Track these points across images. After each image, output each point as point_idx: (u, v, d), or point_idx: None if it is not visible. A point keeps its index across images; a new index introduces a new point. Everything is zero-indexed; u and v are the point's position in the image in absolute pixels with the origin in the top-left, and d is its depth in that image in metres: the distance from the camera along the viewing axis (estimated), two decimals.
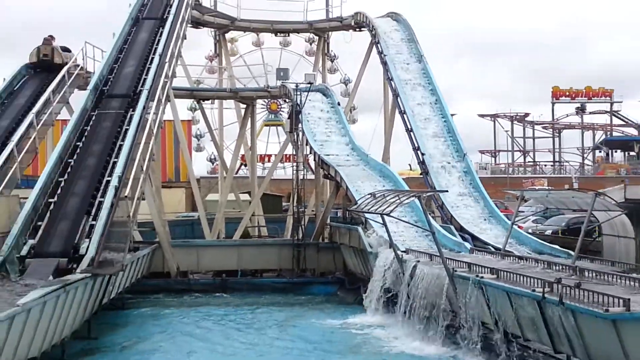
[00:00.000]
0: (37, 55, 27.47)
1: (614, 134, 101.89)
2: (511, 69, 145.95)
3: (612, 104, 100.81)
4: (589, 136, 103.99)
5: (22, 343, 13.13)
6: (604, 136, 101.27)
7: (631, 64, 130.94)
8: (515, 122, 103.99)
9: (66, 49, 28.22)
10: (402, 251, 21.25)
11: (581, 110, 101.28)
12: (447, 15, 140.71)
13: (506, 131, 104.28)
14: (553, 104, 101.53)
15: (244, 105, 38.89)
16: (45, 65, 27.26)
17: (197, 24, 37.35)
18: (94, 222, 18.53)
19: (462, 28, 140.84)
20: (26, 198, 19.28)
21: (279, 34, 43.13)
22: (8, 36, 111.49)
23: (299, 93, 31.86)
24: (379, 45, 34.09)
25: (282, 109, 65.59)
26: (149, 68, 26.27)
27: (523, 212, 33.69)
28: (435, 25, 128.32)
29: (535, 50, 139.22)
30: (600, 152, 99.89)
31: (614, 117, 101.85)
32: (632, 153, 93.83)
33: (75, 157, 21.42)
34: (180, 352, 18.41)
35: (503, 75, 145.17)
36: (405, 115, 30.15)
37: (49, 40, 28.12)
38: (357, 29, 38.28)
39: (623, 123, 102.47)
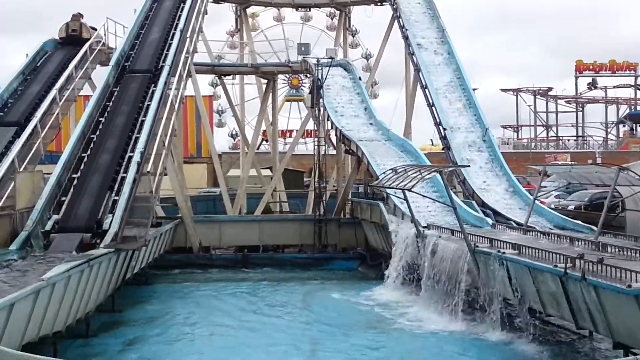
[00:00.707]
0: (66, 31, 28.13)
1: (639, 108, 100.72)
2: (535, 43, 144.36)
3: (636, 77, 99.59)
4: (613, 110, 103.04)
5: (47, 317, 13.28)
6: (628, 110, 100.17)
7: None
8: (538, 96, 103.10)
9: (94, 29, 28.58)
10: (423, 227, 21.23)
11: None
12: None
13: (529, 106, 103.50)
14: (576, 77, 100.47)
15: (265, 81, 38.83)
16: (74, 40, 27.63)
17: None
18: (116, 198, 18.67)
19: None
20: (50, 173, 19.45)
21: (300, 8, 42.97)
22: (36, 14, 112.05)
23: (320, 68, 31.75)
24: (400, 19, 33.84)
25: (303, 84, 65.43)
26: (170, 44, 26.33)
27: (545, 187, 33.56)
28: None
29: (561, 22, 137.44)
30: (624, 126, 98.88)
31: (638, 91, 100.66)
32: None
33: (97, 132, 21.55)
34: (201, 326, 18.53)
35: (526, 49, 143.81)
36: (426, 90, 29.94)
37: (77, 16, 28.70)
38: (379, 3, 38.01)
39: None
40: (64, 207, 18.49)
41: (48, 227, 17.72)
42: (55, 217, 18.06)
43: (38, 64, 26.48)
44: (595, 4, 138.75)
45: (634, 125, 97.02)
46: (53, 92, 23.03)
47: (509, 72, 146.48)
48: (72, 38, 27.75)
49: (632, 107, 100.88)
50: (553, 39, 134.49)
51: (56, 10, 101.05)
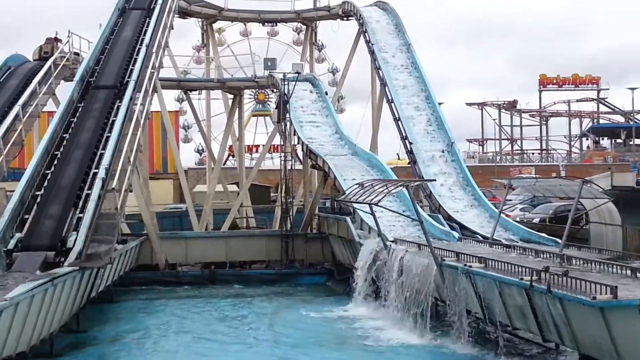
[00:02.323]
0: (39, 53, 29.07)
1: (601, 121, 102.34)
2: (500, 57, 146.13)
3: (599, 91, 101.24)
4: (576, 124, 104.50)
5: (10, 337, 13.08)
6: (591, 123, 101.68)
7: (624, 52, 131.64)
8: (503, 110, 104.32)
9: (76, 53, 28.70)
10: (390, 241, 21.25)
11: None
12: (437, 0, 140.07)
13: (494, 119, 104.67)
14: (540, 91, 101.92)
15: (232, 96, 38.76)
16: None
17: (184, 14, 37.22)
18: (81, 215, 18.41)
19: (452, 14, 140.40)
20: (13, 191, 19.16)
21: (266, 23, 43.13)
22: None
23: (286, 83, 31.75)
24: (366, 34, 34.06)
25: (269, 99, 65.21)
26: (135, 59, 26.16)
27: (511, 200, 33.88)
28: (423, 12, 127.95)
29: (526, 37, 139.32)
30: (587, 139, 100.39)
31: (600, 105, 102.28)
32: (618, 140, 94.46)
33: (61, 149, 21.28)
34: (168, 345, 18.38)
35: (492, 64, 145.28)
36: (393, 105, 30.13)
37: (50, 40, 29.58)
38: (345, 18, 38.24)
39: (610, 110, 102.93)
40: (27, 225, 18.17)
41: (11, 245, 17.40)
42: (18, 235, 17.75)
43: (1, 80, 26.18)
44: (561, 20, 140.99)
45: (597, 138, 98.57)
46: (16, 108, 22.72)
47: (474, 85, 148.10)
48: (45, 60, 27.65)
49: (595, 120, 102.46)
50: (519, 53, 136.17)
51: (24, 25, 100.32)
